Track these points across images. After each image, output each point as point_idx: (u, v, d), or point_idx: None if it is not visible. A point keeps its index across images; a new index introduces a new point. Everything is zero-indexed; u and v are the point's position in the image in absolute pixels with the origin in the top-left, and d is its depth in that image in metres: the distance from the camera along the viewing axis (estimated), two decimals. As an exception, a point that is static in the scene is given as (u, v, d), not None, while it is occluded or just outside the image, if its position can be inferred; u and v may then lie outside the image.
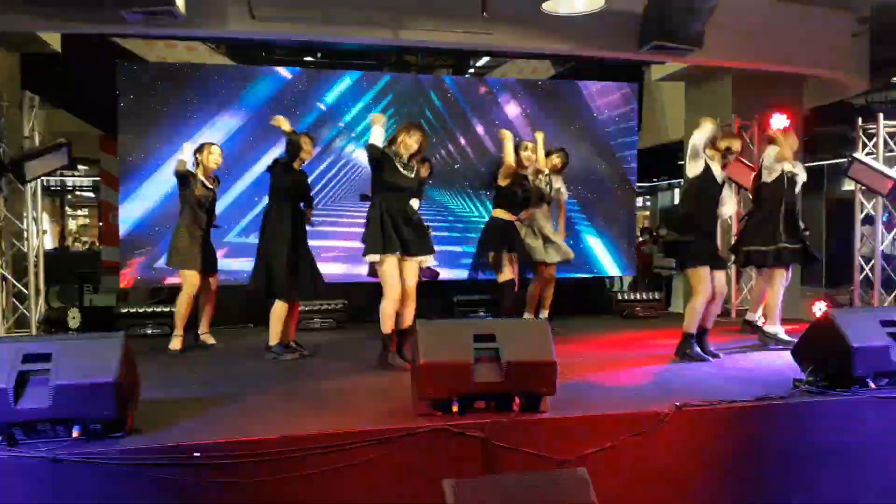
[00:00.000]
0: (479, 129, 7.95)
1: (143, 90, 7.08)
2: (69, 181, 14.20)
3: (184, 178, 5.50)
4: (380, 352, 4.81)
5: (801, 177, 5.64)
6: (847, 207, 7.59)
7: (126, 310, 6.73)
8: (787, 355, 4.38)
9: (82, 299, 8.77)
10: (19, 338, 5.37)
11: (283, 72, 7.57)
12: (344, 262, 7.26)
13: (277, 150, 7.20)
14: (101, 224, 10.88)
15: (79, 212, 15.91)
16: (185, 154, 5.57)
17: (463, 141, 7.91)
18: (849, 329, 3.75)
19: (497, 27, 6.37)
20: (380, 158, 4.71)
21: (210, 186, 5.65)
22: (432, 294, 6.57)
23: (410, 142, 4.82)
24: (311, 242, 5.38)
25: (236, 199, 7.20)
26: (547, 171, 6.33)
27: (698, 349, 5.05)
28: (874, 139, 6.99)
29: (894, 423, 3.75)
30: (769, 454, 3.56)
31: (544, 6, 5.75)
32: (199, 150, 5.61)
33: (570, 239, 7.29)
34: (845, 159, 7.13)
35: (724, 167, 5.09)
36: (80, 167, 12.30)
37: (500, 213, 6.00)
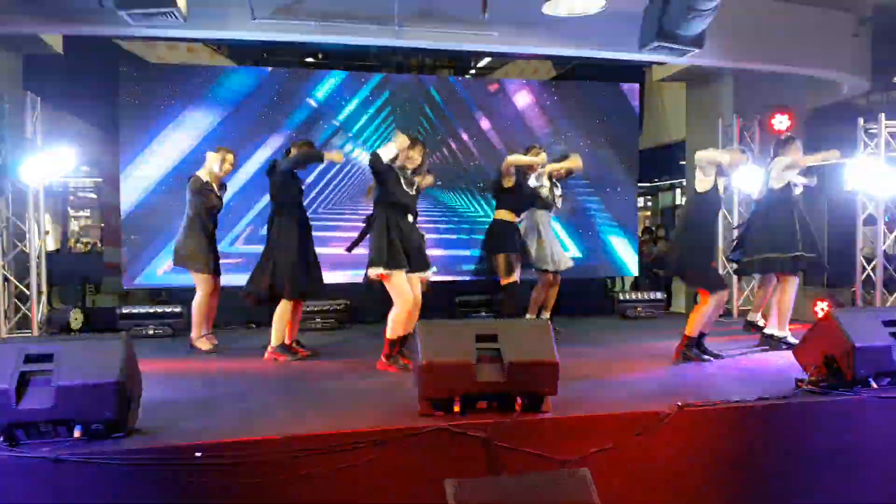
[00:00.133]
0: (482, 127, 7.95)
1: (144, 91, 7.09)
2: (71, 182, 14.20)
3: (198, 190, 5.53)
4: (384, 356, 4.79)
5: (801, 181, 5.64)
6: (849, 207, 7.57)
7: (128, 310, 6.74)
8: (788, 355, 4.38)
9: (84, 300, 8.78)
10: (21, 339, 5.38)
11: (278, 71, 7.60)
12: (345, 263, 7.24)
13: (269, 151, 7.28)
14: (102, 225, 10.89)
15: (81, 213, 15.90)
16: (210, 162, 5.58)
17: (465, 137, 7.91)
18: (851, 329, 3.75)
19: (498, 28, 6.37)
20: (384, 171, 4.67)
21: (219, 194, 5.68)
22: (434, 295, 6.57)
23: (416, 156, 4.81)
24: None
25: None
26: (555, 178, 6.34)
27: (700, 350, 5.05)
28: (876, 139, 6.98)
29: (896, 424, 3.75)
30: (771, 454, 3.55)
31: (545, 7, 5.75)
32: (216, 151, 5.62)
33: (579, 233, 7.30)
34: (846, 160, 7.12)
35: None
36: (82, 168, 12.29)
37: (504, 215, 6.00)
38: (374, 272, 4.63)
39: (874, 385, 3.75)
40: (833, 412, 3.68)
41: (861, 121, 7.08)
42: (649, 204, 16.13)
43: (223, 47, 8.58)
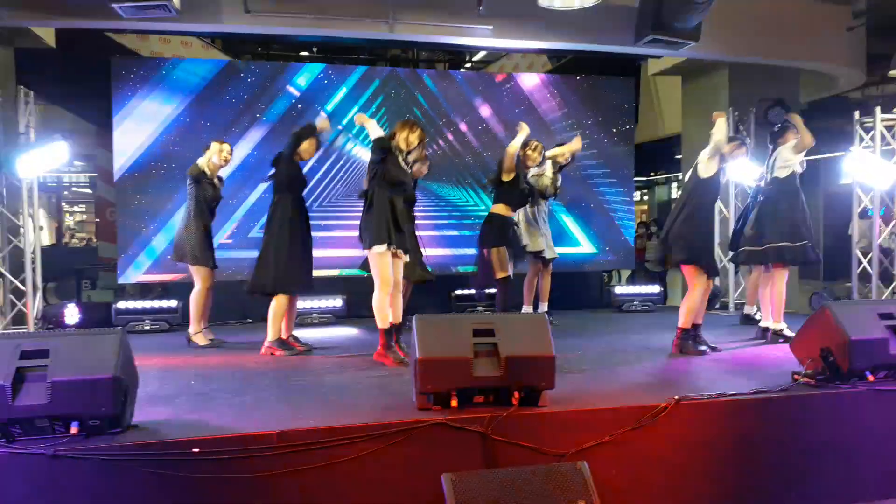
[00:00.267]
0: (474, 121, 7.95)
1: (137, 85, 7.06)
2: (65, 177, 14.16)
3: (197, 178, 5.51)
4: (381, 347, 4.79)
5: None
6: (844, 201, 7.59)
7: (124, 305, 6.73)
8: (785, 348, 4.39)
9: (80, 295, 8.76)
10: (17, 334, 5.35)
11: (268, 65, 7.58)
12: (341, 259, 7.25)
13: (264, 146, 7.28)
14: (97, 220, 10.86)
15: (75, 208, 15.85)
16: (209, 153, 5.57)
17: (461, 130, 7.90)
18: (847, 322, 3.76)
19: (493, 22, 6.35)
20: (389, 150, 4.71)
21: (217, 186, 5.66)
22: (430, 289, 6.58)
23: (413, 138, 4.82)
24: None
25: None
26: (560, 164, 6.37)
27: (696, 343, 5.06)
28: (871, 133, 6.99)
29: (893, 416, 3.76)
30: (768, 447, 3.56)
31: (541, 1, 5.73)
32: (209, 147, 5.60)
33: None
34: (842, 153, 7.13)
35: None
36: (76, 163, 12.25)
37: (500, 209, 6.00)
38: (379, 249, 4.63)
39: (870, 378, 3.76)
40: (829, 405, 3.69)
41: (856, 114, 7.09)
42: (645, 198, 16.16)
43: (217, 41, 8.54)
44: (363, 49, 8.66)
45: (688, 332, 5.06)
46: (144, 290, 7.77)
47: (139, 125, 7.08)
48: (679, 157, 9.59)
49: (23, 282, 6.24)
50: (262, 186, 7.22)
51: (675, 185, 13.47)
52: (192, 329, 5.61)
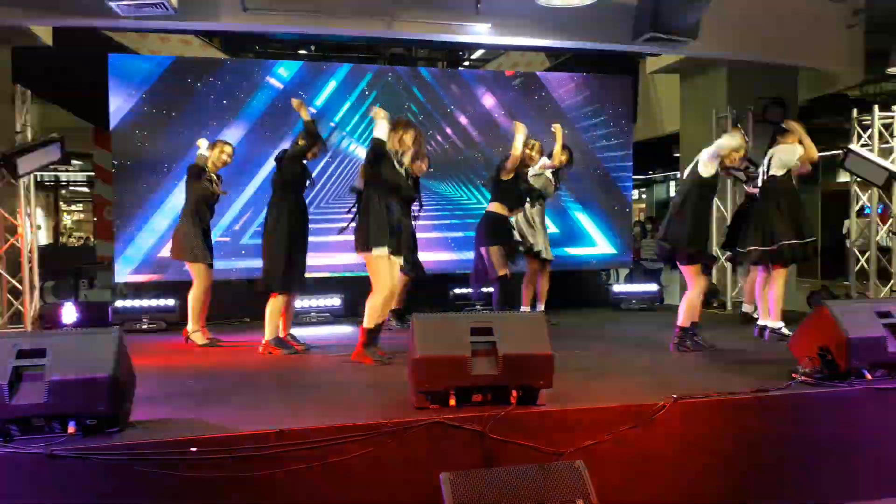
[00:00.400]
0: (470, 119, 7.94)
1: (135, 84, 7.04)
2: (63, 176, 14.13)
3: (197, 175, 5.49)
4: (360, 346, 4.78)
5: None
6: (842, 199, 7.60)
7: (121, 304, 6.72)
8: (783, 347, 4.40)
9: (77, 294, 8.74)
10: (14, 333, 5.34)
11: (264, 62, 7.56)
12: (340, 257, 7.24)
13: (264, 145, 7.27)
14: (95, 219, 10.85)
15: (73, 207, 15.83)
16: (203, 149, 5.56)
17: (453, 129, 7.89)
18: (845, 320, 3.75)
19: (491, 20, 6.34)
20: (384, 154, 4.69)
21: (217, 184, 5.66)
22: (429, 287, 6.58)
23: (407, 138, 4.81)
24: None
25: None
26: (558, 166, 6.36)
27: (694, 341, 5.06)
28: (869, 130, 7.00)
29: (891, 414, 3.76)
30: (766, 445, 3.56)
31: (539, -2, 5.72)
32: (212, 146, 5.60)
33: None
34: (840, 151, 7.13)
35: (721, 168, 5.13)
36: (73, 162, 12.23)
37: (497, 208, 5.99)
38: (378, 252, 4.62)
39: (868, 376, 3.76)
40: (828, 404, 3.69)
41: (855, 112, 7.09)
42: (643, 196, 16.16)
43: (215, 39, 8.52)
44: (361, 47, 8.64)
45: (686, 330, 5.06)
46: (142, 289, 7.75)
47: (137, 123, 7.05)
48: (677, 155, 9.59)
49: (20, 281, 6.23)
50: (257, 182, 7.23)
51: (672, 183, 13.47)
52: (190, 328, 5.61)
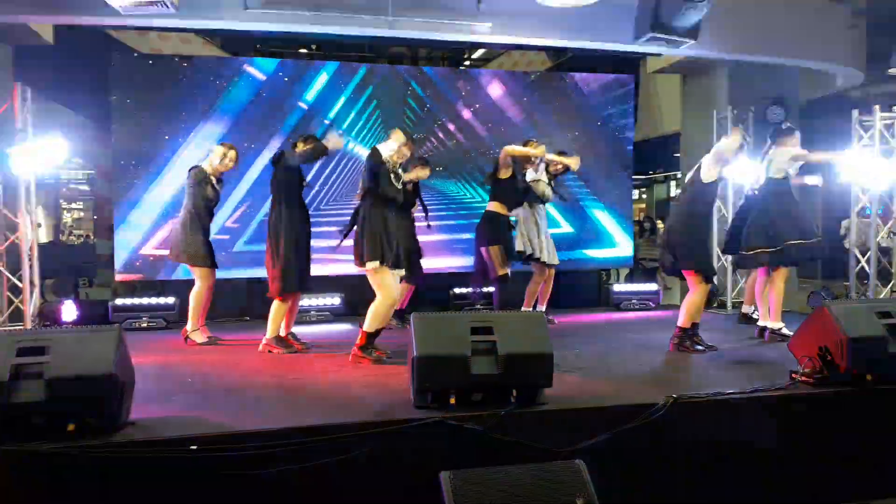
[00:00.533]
0: (469, 117, 7.93)
1: (136, 82, 7.04)
2: (63, 174, 14.11)
3: (200, 180, 5.50)
4: (357, 349, 4.78)
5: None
6: (842, 200, 7.59)
7: (121, 303, 6.72)
8: (783, 347, 4.39)
9: (77, 292, 8.73)
10: (14, 331, 5.34)
11: (261, 68, 7.55)
12: (340, 257, 7.23)
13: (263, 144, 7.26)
14: (95, 217, 10.84)
15: (73, 205, 15.81)
16: (213, 156, 5.56)
17: (454, 126, 7.89)
18: (845, 321, 3.75)
19: (492, 19, 6.34)
20: (381, 165, 4.70)
21: (218, 189, 5.65)
22: (429, 287, 6.58)
23: (406, 152, 4.85)
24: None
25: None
26: (553, 174, 6.36)
27: (694, 342, 5.06)
28: (870, 131, 6.99)
29: (891, 415, 3.76)
30: (766, 446, 3.56)
31: (540, -2, 5.72)
32: (222, 145, 5.58)
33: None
34: (841, 152, 7.13)
35: None
36: (74, 160, 12.22)
37: (496, 207, 5.99)
38: (373, 266, 4.64)
39: (868, 377, 3.75)
40: (828, 404, 3.70)
41: (856, 113, 7.08)
42: (643, 196, 16.14)
43: (216, 37, 8.52)
44: (362, 47, 8.63)
45: (686, 331, 5.06)
46: (144, 287, 7.74)
47: (137, 122, 7.05)
48: (678, 155, 9.58)
49: (20, 279, 6.22)
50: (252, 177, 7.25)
51: (673, 183, 13.44)
52: (189, 326, 5.61)
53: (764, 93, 7.73)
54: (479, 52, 9.67)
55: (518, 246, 6.18)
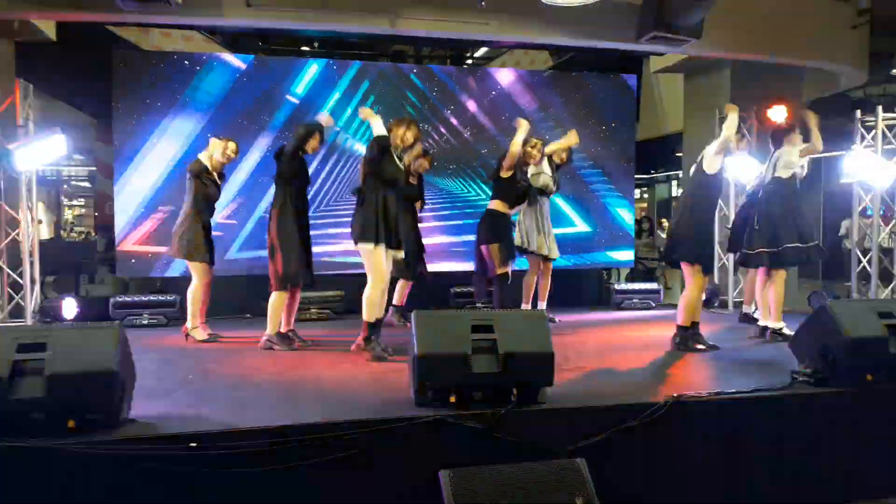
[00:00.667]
0: (471, 115, 7.93)
1: (138, 79, 7.04)
2: (65, 171, 14.13)
3: (199, 173, 5.49)
4: (370, 343, 4.79)
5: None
6: (844, 200, 7.58)
7: (122, 299, 6.72)
8: (784, 347, 4.39)
9: (78, 289, 8.74)
10: (14, 328, 5.34)
11: (264, 59, 7.53)
12: (340, 253, 7.24)
13: (265, 141, 7.26)
14: (96, 214, 10.86)
15: (74, 202, 15.83)
16: (212, 148, 5.55)
17: (455, 123, 7.89)
18: (846, 321, 3.75)
19: (495, 17, 6.33)
20: (387, 148, 4.75)
21: (218, 183, 5.65)
22: (429, 285, 6.58)
23: (409, 135, 4.89)
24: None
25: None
26: (557, 163, 6.37)
27: (695, 341, 5.05)
28: (873, 132, 6.98)
29: (891, 415, 3.76)
30: (766, 445, 3.56)
31: (542, -3, 5.71)
32: (216, 142, 5.58)
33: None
34: (843, 152, 7.12)
35: None
36: (75, 157, 12.23)
37: (498, 205, 5.99)
38: (364, 247, 4.69)
39: (869, 377, 3.74)
40: (828, 404, 3.69)
41: (858, 112, 7.07)
42: (645, 196, 16.13)
43: (218, 35, 8.51)
44: (365, 45, 8.62)
45: (687, 330, 5.06)
46: (144, 285, 7.74)
47: (139, 119, 7.05)
48: (680, 154, 9.57)
49: (21, 275, 6.23)
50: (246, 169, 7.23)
51: (675, 183, 13.44)
52: (189, 323, 5.61)
53: (767, 92, 7.71)
54: (481, 51, 9.66)
55: (515, 240, 6.19)
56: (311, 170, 5.63)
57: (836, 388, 3.72)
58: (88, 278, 9.05)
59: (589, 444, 3.23)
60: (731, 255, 7.17)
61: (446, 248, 7.79)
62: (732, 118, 5.01)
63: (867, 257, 7.12)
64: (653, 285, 8.13)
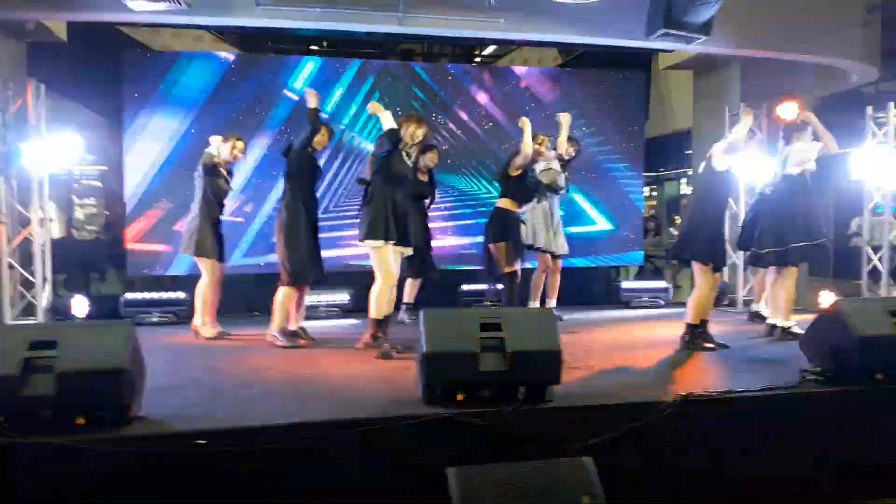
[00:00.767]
0: (481, 114, 7.91)
1: (148, 79, 7.07)
2: (76, 170, 14.19)
3: (210, 170, 5.51)
4: (378, 341, 4.80)
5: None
6: (855, 197, 7.52)
7: (132, 297, 6.76)
8: (794, 345, 4.37)
9: (89, 287, 8.79)
10: (26, 325, 5.39)
11: (270, 59, 7.54)
12: (349, 252, 7.26)
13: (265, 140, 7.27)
14: (107, 213, 10.90)
15: (85, 201, 15.90)
16: (213, 147, 5.58)
17: (464, 119, 7.87)
18: (857, 319, 3.72)
19: (504, 15, 6.32)
20: (396, 140, 4.76)
21: (227, 179, 5.68)
22: (438, 283, 6.58)
23: (419, 133, 4.89)
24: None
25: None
26: (566, 158, 6.35)
27: (704, 339, 5.03)
28: (884, 128, 6.92)
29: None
30: (775, 444, 3.54)
31: (551, -7, 5.70)
32: (225, 140, 5.61)
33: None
34: (854, 149, 7.06)
35: None
36: (86, 156, 12.29)
37: (507, 203, 5.98)
38: (372, 244, 4.70)
39: (879, 376, 3.72)
40: (838, 403, 3.67)
41: (870, 109, 7.02)
42: (654, 193, 16.05)
43: (228, 35, 8.54)
44: (372, 44, 8.63)
45: (696, 328, 5.04)
46: (155, 283, 7.78)
47: (150, 119, 7.09)
48: (689, 152, 9.53)
49: (33, 273, 6.27)
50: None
51: (684, 180, 13.35)
52: (197, 321, 5.63)
53: (777, 89, 7.66)
54: (489, 49, 9.65)
55: (523, 237, 6.18)
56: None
57: (846, 387, 3.69)
58: (99, 276, 9.10)
59: (596, 443, 3.22)
60: (740, 253, 7.13)
61: (456, 246, 7.79)
62: (746, 122, 5.00)
63: (878, 255, 7.06)
64: (661, 283, 8.10)
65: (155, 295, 6.81)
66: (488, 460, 3.01)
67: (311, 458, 3.00)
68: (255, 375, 4.28)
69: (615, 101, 8.22)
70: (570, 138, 6.39)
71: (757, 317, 6.32)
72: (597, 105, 8.18)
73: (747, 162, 6.43)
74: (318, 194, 5.55)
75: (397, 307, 5.06)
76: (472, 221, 7.79)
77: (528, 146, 5.81)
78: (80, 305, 6.53)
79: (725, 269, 5.73)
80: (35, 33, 6.67)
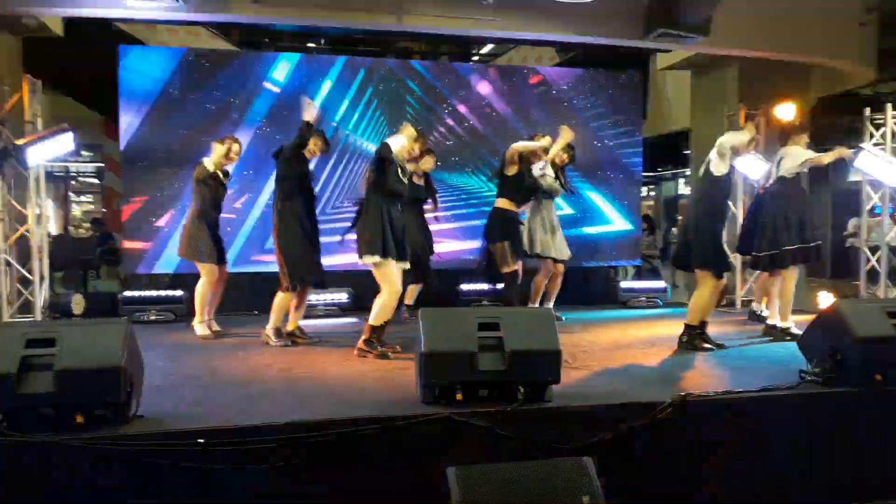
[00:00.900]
0: (478, 112, 7.90)
1: (144, 74, 7.04)
2: (73, 167, 14.17)
3: (203, 182, 5.52)
4: (363, 343, 4.79)
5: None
6: (853, 198, 7.53)
7: (130, 295, 6.74)
8: (793, 346, 4.37)
9: (86, 285, 8.78)
10: (23, 323, 5.37)
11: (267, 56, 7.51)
12: (347, 251, 7.23)
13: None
14: (104, 210, 10.90)
15: (82, 197, 15.86)
16: (210, 158, 5.57)
17: (457, 119, 7.86)
18: (855, 320, 3.72)
19: (502, 13, 6.32)
20: (390, 160, 4.70)
21: (224, 183, 5.67)
22: (437, 283, 6.58)
23: (416, 148, 4.87)
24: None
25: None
26: (560, 165, 6.35)
27: (702, 340, 5.04)
28: (882, 129, 6.93)
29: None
30: (774, 445, 3.55)
31: (550, -8, 5.70)
32: (220, 141, 5.59)
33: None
34: (852, 150, 7.07)
35: None
36: (83, 153, 12.27)
37: (504, 203, 5.97)
38: (370, 260, 4.67)
39: (878, 377, 3.72)
40: (836, 404, 3.67)
41: (867, 111, 7.03)
42: (652, 193, 16.08)
43: (227, 31, 8.52)
44: (369, 41, 8.61)
45: (695, 328, 5.04)
46: (152, 281, 7.77)
47: (146, 114, 7.06)
48: (687, 152, 9.54)
49: (30, 271, 6.25)
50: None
51: (682, 181, 13.39)
52: (196, 320, 5.63)
53: (775, 90, 7.67)
54: (487, 48, 9.64)
55: (529, 243, 6.18)
56: (313, 169, 5.61)
57: (845, 388, 3.70)
58: (96, 274, 9.09)
59: (596, 443, 3.22)
60: (738, 255, 7.13)
61: (456, 244, 7.77)
62: (748, 132, 5.00)
63: (875, 256, 7.07)
64: (659, 283, 8.11)
65: (153, 293, 6.79)
66: (488, 460, 3.01)
67: (309, 457, 2.99)
68: (253, 374, 4.27)
69: (613, 100, 8.21)
70: (568, 145, 6.38)
71: (756, 317, 6.33)
72: (594, 105, 8.16)
73: (747, 164, 6.45)
74: (316, 188, 5.53)
75: (397, 308, 5.04)
76: (476, 222, 7.78)
77: (548, 152, 5.81)
78: (77, 303, 6.51)
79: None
80: (31, 28, 6.64)
